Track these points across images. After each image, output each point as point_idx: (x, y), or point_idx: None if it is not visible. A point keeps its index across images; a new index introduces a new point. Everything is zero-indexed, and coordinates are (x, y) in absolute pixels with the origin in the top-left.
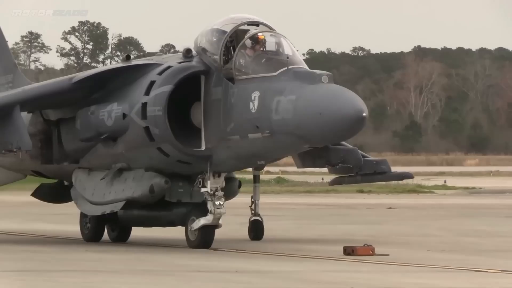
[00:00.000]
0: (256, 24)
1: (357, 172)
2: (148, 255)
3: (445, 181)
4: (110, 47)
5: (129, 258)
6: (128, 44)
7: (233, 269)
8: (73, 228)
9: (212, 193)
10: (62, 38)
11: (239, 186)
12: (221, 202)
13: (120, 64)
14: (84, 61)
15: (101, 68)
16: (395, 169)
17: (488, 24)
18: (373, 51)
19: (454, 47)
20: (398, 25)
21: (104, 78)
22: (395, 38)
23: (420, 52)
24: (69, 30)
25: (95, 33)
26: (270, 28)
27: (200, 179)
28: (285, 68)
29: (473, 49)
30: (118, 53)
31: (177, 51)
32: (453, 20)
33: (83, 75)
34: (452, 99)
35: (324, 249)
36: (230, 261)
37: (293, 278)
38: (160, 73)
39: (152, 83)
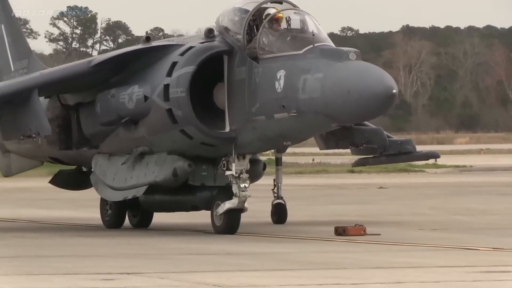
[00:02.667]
0: (279, 1)
1: (381, 153)
2: (140, 239)
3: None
4: (99, 32)
5: (121, 242)
6: (116, 28)
7: (225, 251)
8: (64, 213)
9: (237, 175)
10: (50, 24)
11: (264, 168)
12: (246, 185)
13: (140, 46)
14: (73, 46)
15: (120, 50)
16: None
17: (476, 2)
18: (361, 31)
19: (442, 26)
20: (386, 4)
21: (124, 60)
22: (383, 18)
23: (408, 31)
24: (57, 16)
25: (83, 18)
26: (294, 6)
27: (224, 162)
28: (311, 45)
29: (462, 27)
30: (107, 37)
31: (166, 34)
32: None
33: (102, 58)
34: (441, 77)
35: (316, 230)
36: (221, 244)
37: (285, 259)
38: (182, 54)
39: (174, 64)
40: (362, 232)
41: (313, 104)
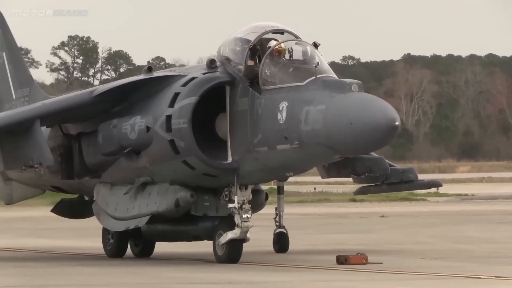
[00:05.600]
0: (281, 32)
1: (383, 181)
2: (142, 268)
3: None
4: (100, 61)
5: (122, 271)
6: (118, 58)
7: (226, 280)
8: (66, 242)
9: (239, 206)
10: (51, 53)
11: (266, 198)
12: (249, 215)
13: (142, 76)
14: (75, 75)
15: (122, 80)
16: None
17: (477, 31)
18: (363, 60)
19: (444, 54)
20: (387, 33)
21: (126, 90)
22: (384, 47)
23: (410, 60)
24: (58, 45)
25: (84, 47)
26: (296, 36)
27: (226, 192)
28: (314, 77)
29: (463, 56)
30: (108, 66)
31: (168, 64)
32: (442, 27)
33: (104, 88)
34: (443, 106)
35: (317, 259)
36: (223, 273)
37: None
38: (184, 85)
39: (176, 95)
40: (364, 261)
41: (316, 136)
